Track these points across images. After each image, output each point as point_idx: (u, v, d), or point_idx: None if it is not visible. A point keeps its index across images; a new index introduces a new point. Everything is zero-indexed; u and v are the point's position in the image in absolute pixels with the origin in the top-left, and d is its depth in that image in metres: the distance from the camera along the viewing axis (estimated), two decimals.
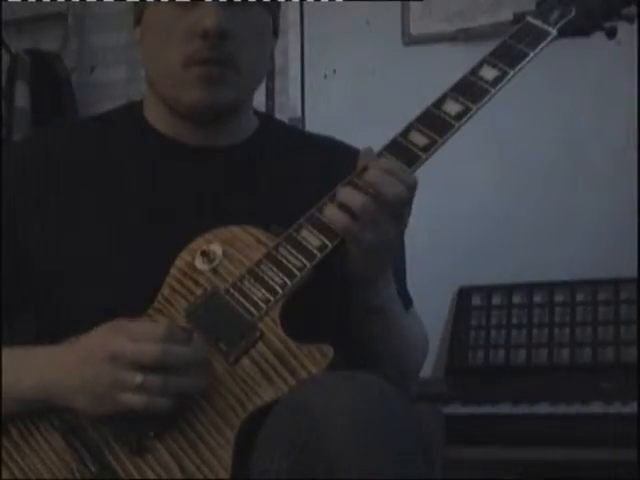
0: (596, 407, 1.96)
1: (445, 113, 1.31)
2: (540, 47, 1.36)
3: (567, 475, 2.00)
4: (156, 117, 1.43)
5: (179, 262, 1.31)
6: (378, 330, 1.36)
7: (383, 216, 1.24)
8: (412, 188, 1.25)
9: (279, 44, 1.58)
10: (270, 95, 2.69)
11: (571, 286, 2.34)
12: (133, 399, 1.15)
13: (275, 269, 1.25)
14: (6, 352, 1.28)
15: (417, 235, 1.51)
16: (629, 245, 2.28)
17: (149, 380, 1.15)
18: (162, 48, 1.36)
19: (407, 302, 1.48)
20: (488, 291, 2.41)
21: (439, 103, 1.32)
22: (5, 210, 1.38)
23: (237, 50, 1.35)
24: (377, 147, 1.30)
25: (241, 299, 1.25)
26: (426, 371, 1.77)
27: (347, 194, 1.25)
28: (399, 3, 2.60)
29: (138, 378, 1.15)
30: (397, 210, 1.25)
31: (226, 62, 1.35)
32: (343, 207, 1.25)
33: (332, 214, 1.26)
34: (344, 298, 1.34)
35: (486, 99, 1.32)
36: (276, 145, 1.46)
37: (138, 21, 1.41)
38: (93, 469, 1.19)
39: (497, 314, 2.38)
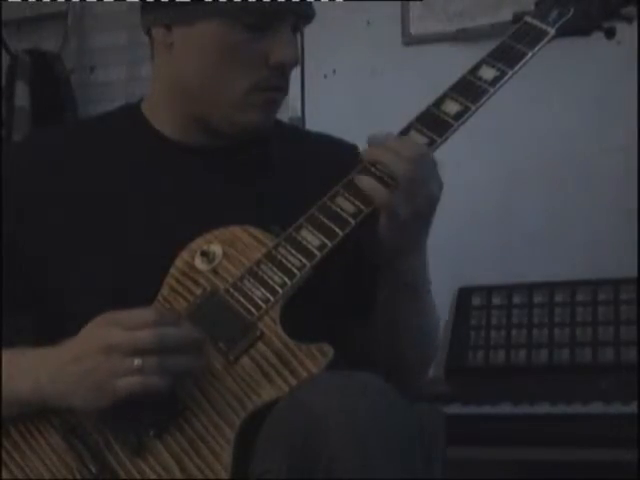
0: (596, 407, 1.95)
1: (444, 113, 1.31)
2: (539, 47, 1.37)
3: (567, 475, 2.00)
4: (164, 120, 1.42)
5: (179, 262, 1.32)
6: (407, 308, 1.37)
7: (419, 189, 1.25)
8: (419, 161, 1.26)
9: None
10: None
11: (571, 286, 2.33)
12: (132, 381, 1.15)
13: (275, 269, 1.26)
14: (3, 353, 1.28)
15: None
16: (629, 245, 2.27)
17: (147, 361, 1.15)
18: (222, 69, 1.34)
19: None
20: (488, 291, 2.41)
21: (438, 103, 1.33)
22: (4, 210, 1.37)
23: (290, 75, 1.38)
24: None
25: (241, 299, 1.25)
26: None
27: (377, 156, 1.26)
28: (399, 3, 2.60)
29: (137, 361, 1.15)
30: (414, 188, 1.25)
31: (286, 89, 1.38)
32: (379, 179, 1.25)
33: (370, 184, 1.26)
34: (372, 278, 1.34)
35: (485, 99, 1.33)
36: (276, 145, 1.46)
37: (169, 24, 1.35)
38: (93, 469, 1.19)
39: (497, 314, 2.37)
